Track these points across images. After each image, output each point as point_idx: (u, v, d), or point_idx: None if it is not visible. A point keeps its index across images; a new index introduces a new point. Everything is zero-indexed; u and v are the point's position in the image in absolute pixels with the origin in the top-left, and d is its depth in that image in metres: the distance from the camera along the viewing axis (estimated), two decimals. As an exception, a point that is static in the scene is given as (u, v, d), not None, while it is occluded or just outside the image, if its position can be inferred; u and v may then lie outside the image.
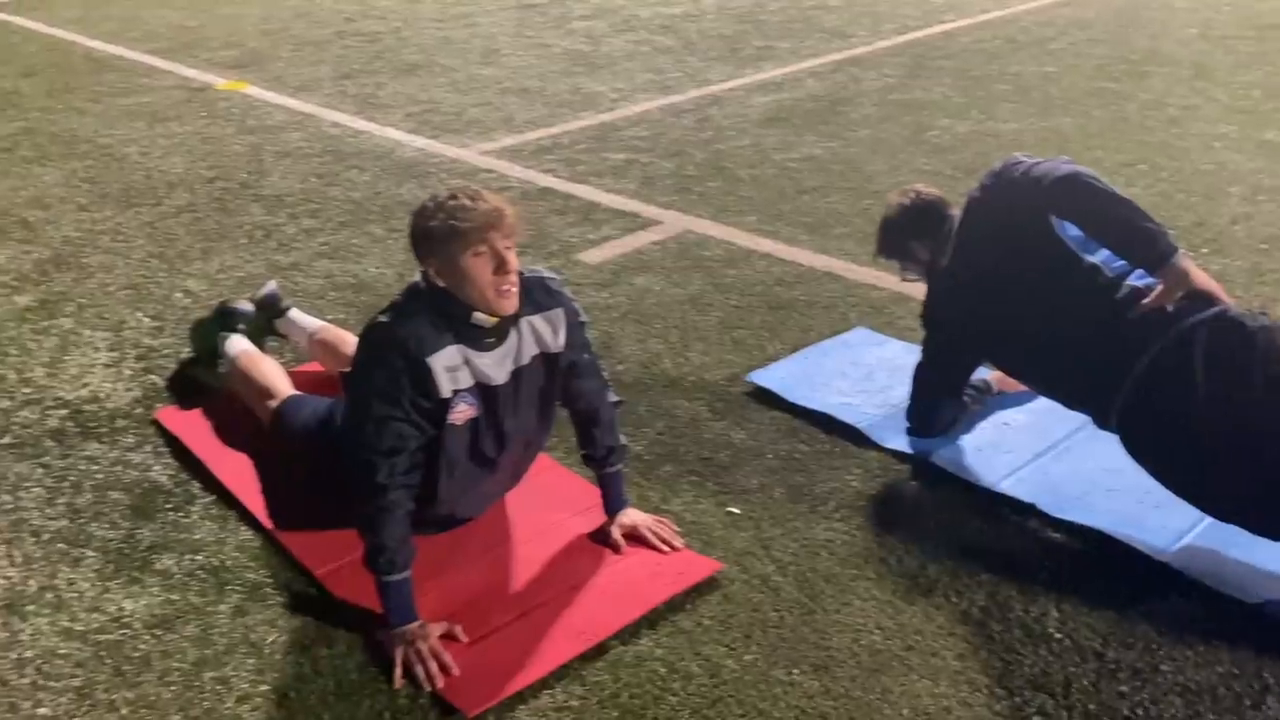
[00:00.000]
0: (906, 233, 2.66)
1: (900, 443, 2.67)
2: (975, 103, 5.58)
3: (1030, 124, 5.22)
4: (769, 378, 2.98)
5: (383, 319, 2.06)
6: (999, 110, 5.44)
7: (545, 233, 4.06)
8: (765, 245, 3.92)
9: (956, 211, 2.59)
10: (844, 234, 4.00)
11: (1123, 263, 2.31)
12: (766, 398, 2.91)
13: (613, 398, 2.35)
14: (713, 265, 3.76)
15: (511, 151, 5.00)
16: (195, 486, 2.56)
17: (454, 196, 2.01)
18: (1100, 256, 2.34)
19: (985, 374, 2.81)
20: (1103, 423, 2.33)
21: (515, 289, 2.06)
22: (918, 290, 2.73)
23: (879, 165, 4.72)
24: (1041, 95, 5.69)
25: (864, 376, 2.99)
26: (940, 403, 2.66)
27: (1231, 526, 2.21)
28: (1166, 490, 2.26)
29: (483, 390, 2.12)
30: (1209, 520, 2.30)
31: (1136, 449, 2.28)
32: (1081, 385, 2.35)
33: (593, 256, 3.86)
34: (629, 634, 2.08)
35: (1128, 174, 4.51)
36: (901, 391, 2.78)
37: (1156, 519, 2.36)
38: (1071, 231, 2.36)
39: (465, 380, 2.09)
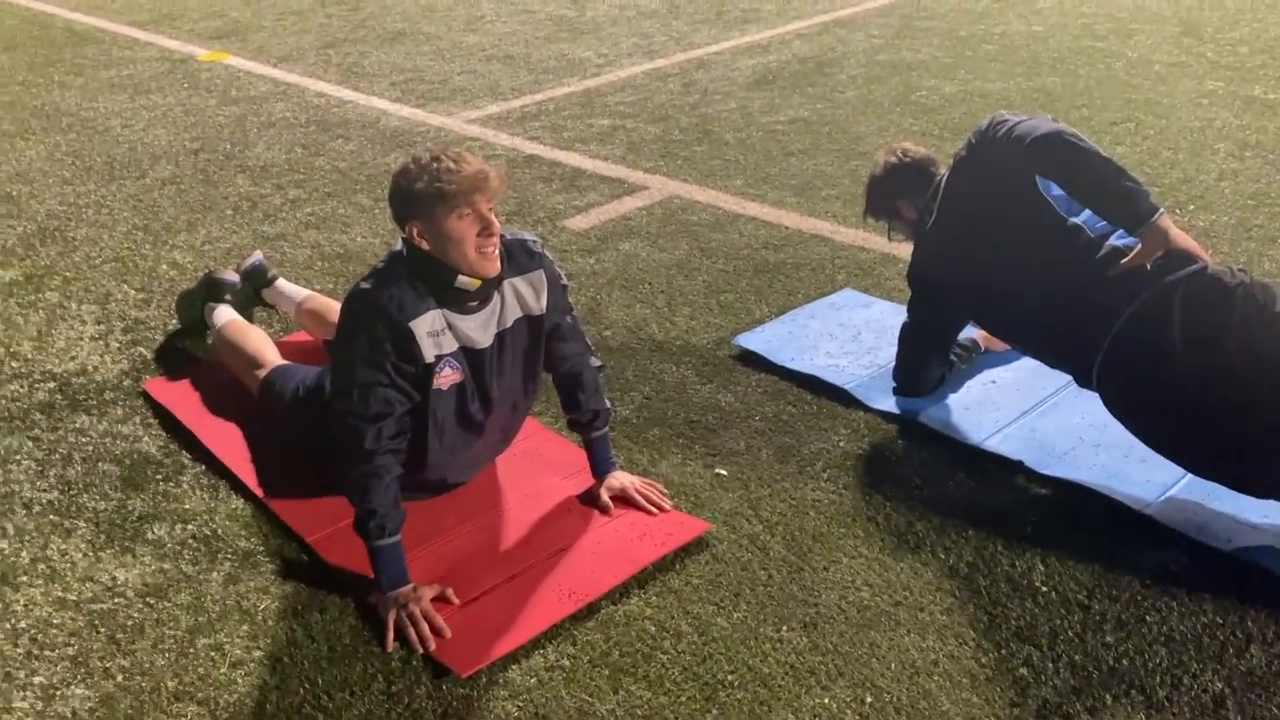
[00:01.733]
0: (893, 192, 2.66)
1: (887, 403, 2.69)
2: (962, 63, 5.55)
3: (1017, 83, 5.20)
4: (756, 341, 2.99)
5: (364, 285, 2.06)
6: (986, 70, 5.42)
7: (531, 200, 4.04)
8: (752, 209, 3.91)
9: (944, 170, 2.59)
10: (831, 196, 3.99)
11: (1105, 223, 2.31)
12: (753, 361, 2.91)
13: (596, 362, 2.36)
14: (699, 230, 3.76)
15: (497, 119, 4.97)
16: (185, 457, 2.56)
17: (438, 158, 2.00)
18: (1083, 216, 2.34)
19: (972, 333, 2.82)
20: (1084, 381, 2.35)
21: (497, 251, 2.06)
22: (905, 251, 2.73)
23: (866, 126, 4.70)
24: (1028, 54, 5.66)
25: (851, 338, 2.99)
26: (927, 362, 2.66)
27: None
28: (1149, 445, 2.28)
29: (467, 354, 2.13)
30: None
31: (1116, 406, 2.29)
32: (1063, 344, 2.35)
33: (579, 223, 3.85)
34: (619, 594, 2.10)
35: (1114, 132, 4.51)
36: (888, 352, 2.79)
37: (1141, 473, 2.38)
38: (1055, 191, 2.36)
39: (449, 344, 2.09)
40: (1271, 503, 2.20)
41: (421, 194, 1.99)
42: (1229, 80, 5.14)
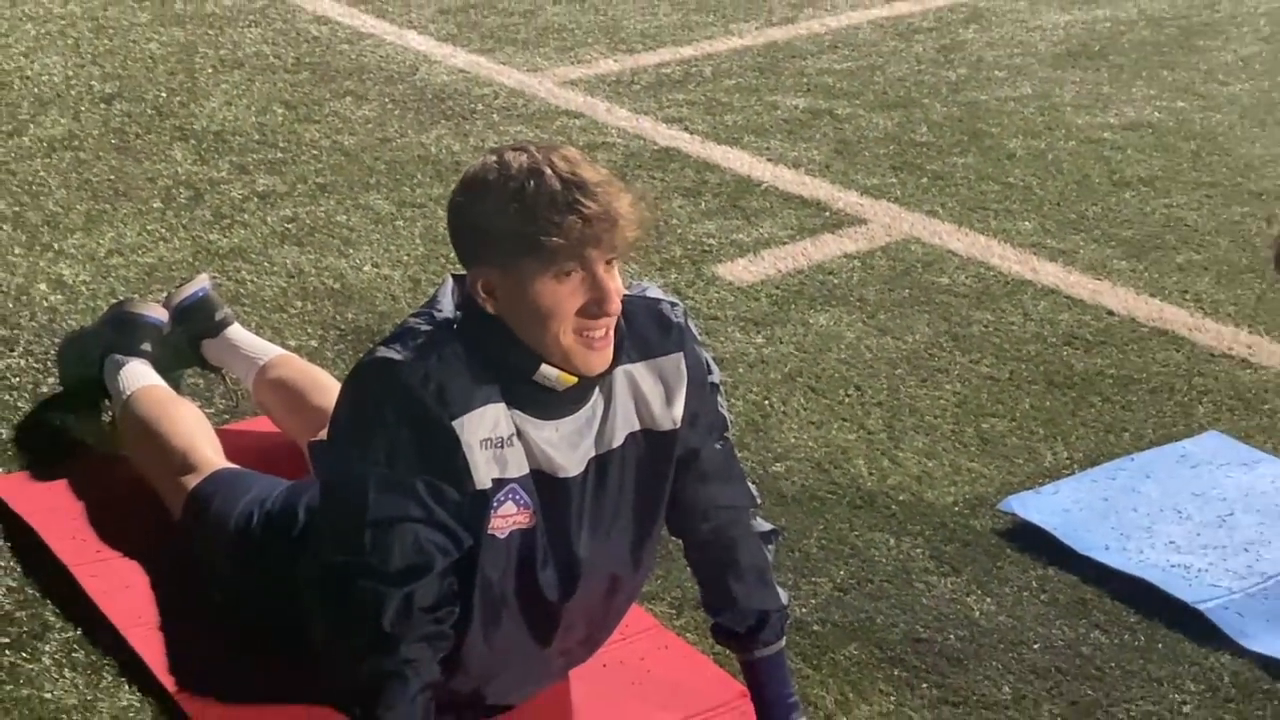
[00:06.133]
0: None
1: (1276, 645, 2.65)
2: None
3: None
4: (1042, 508, 2.98)
5: (388, 353, 2.12)
6: None
7: (664, 225, 4.12)
8: (1049, 273, 3.94)
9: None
10: (1195, 264, 4.00)
11: None
12: (1035, 541, 2.90)
13: (763, 525, 2.38)
14: (951, 302, 3.79)
15: (613, 83, 5.12)
16: (49, 610, 2.64)
17: (538, 168, 2.02)
18: None
19: None
20: None
21: (611, 336, 2.12)
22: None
23: (1262, 145, 4.69)
24: None
25: (1216, 520, 2.98)
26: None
27: None
28: None
29: (544, 483, 2.18)
30: None
31: None
32: None
33: (742, 272, 3.93)
34: None
35: None
36: (1283, 552, 2.78)
37: None
38: None
39: (516, 464, 2.14)
40: None
41: (504, 232, 2.04)
42: None
